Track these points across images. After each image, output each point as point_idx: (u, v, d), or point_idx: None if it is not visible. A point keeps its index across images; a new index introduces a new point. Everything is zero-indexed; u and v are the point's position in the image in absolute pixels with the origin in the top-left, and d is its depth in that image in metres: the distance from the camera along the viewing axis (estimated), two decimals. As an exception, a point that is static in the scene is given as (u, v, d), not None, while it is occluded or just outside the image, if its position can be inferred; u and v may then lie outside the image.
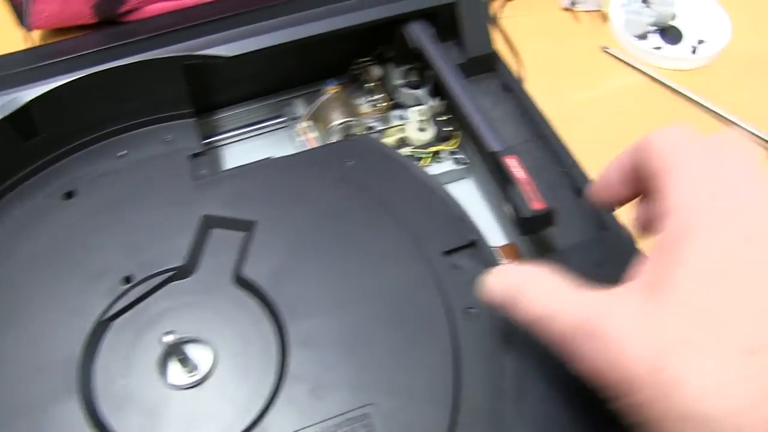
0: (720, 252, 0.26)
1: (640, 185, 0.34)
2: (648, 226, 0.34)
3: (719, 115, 0.59)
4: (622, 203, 0.35)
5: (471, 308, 0.40)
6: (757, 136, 0.58)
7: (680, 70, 0.63)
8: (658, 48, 0.64)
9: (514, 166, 0.40)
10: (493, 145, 0.42)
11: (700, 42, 0.65)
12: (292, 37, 0.47)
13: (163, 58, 0.45)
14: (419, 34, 0.48)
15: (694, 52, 0.64)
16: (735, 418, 0.23)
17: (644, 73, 0.63)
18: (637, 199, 0.35)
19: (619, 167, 0.34)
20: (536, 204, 0.39)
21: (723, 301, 0.25)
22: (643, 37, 0.65)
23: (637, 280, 0.29)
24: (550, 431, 0.36)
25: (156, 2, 0.60)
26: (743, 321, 0.25)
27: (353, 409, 0.36)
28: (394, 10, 0.48)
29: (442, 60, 0.47)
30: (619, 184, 0.34)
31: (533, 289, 0.32)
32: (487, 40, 0.51)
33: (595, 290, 0.30)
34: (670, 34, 0.65)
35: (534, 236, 0.45)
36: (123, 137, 0.48)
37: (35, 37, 0.62)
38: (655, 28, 0.66)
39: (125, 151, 0.47)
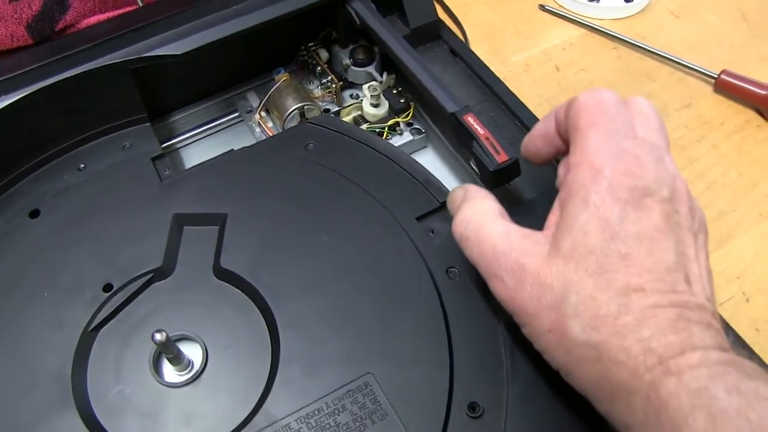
0: (604, 208, 0.30)
1: (565, 141, 0.36)
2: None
3: (660, 55, 0.61)
4: (549, 158, 0.38)
5: (452, 268, 0.41)
6: (696, 70, 0.60)
7: (617, 20, 0.65)
8: (595, 0, 0.66)
9: (473, 123, 0.41)
10: (450, 105, 0.43)
11: (632, -11, 0.67)
12: (240, 27, 0.47)
13: (111, 64, 0.44)
14: (363, 11, 0.49)
15: (628, 0, 0.66)
16: (611, 344, 0.29)
17: (584, 26, 0.64)
18: None
19: (548, 123, 0.37)
20: (501, 156, 0.40)
21: (604, 253, 0.30)
22: (578, -10, 0.67)
23: (548, 230, 0.33)
24: (547, 379, 0.37)
25: (91, 16, 0.59)
26: (620, 270, 0.30)
27: (352, 381, 0.36)
28: (337, -10, 0.48)
29: (388, 33, 0.47)
30: (547, 139, 0.37)
31: (468, 209, 0.36)
32: (429, 9, 0.51)
33: (519, 228, 0.34)
34: (603, -15, 0.67)
35: (501, 190, 0.46)
36: (81, 150, 0.47)
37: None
38: (587, -19, 0.68)
39: (84, 164, 0.46)
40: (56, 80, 0.44)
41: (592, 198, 0.31)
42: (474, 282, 0.40)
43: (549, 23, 0.65)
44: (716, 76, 0.59)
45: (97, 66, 0.44)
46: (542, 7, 0.66)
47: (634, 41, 0.62)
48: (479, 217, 0.36)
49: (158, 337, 0.36)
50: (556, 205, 0.34)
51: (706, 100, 0.59)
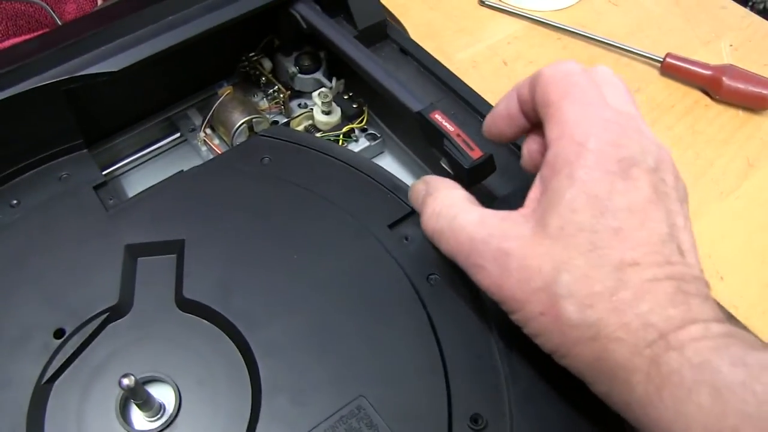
0: (592, 183, 0.29)
1: (530, 118, 0.35)
2: (536, 158, 0.35)
3: (604, 42, 0.61)
4: (513, 137, 0.37)
5: (432, 274, 0.38)
6: (641, 54, 0.60)
7: (557, 11, 0.65)
8: (533, -8, 0.66)
9: (441, 120, 0.39)
10: (414, 104, 0.41)
11: (569, -20, 0.67)
12: (178, 38, 0.43)
13: (41, 86, 0.40)
14: (309, 14, 0.46)
15: (565, -10, 0.66)
16: (608, 322, 0.28)
17: (525, 18, 0.64)
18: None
19: (510, 102, 0.35)
20: (475, 152, 0.38)
21: (595, 229, 0.29)
22: (515, -16, 0.66)
23: (528, 209, 0.32)
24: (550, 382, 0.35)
25: (5, 40, 0.55)
26: (614, 245, 0.28)
27: (344, 406, 0.34)
28: (277, -5, 0.45)
29: (339, 35, 0.45)
30: (510, 119, 0.36)
31: (436, 201, 0.34)
32: (376, 8, 0.49)
33: (494, 212, 0.33)
34: (540, -23, 0.67)
35: (475, 187, 0.45)
36: (12, 184, 0.42)
37: None
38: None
39: (17, 200, 0.42)
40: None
41: (578, 173, 0.29)
42: (457, 286, 0.38)
43: (490, 18, 0.64)
44: (662, 60, 0.59)
45: (25, 89, 0.40)
46: (482, 2, 0.65)
47: (577, 30, 0.62)
48: (449, 208, 0.34)
49: (126, 382, 0.32)
50: (537, 181, 0.32)
51: (654, 84, 0.59)
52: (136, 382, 0.32)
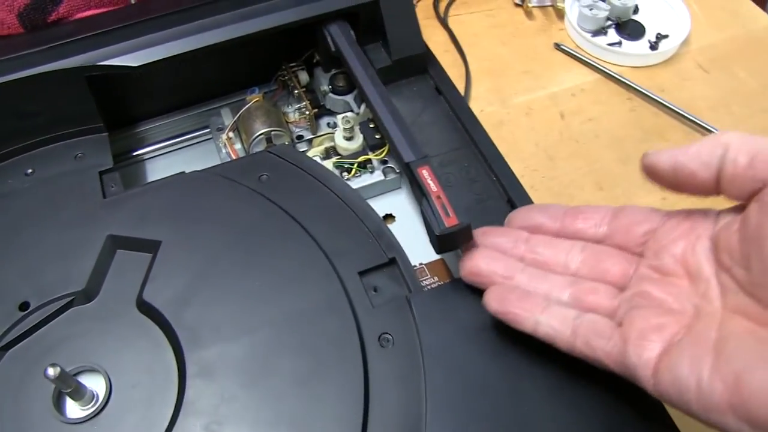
0: None
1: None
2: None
3: (678, 112, 0.56)
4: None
5: (386, 334, 0.37)
6: (712, 131, 0.55)
7: (638, 68, 0.60)
8: (617, 44, 0.61)
9: (426, 177, 0.38)
10: (407, 154, 0.39)
11: (660, 37, 0.62)
12: (203, 43, 0.44)
13: (63, 70, 0.42)
14: (337, 37, 0.45)
15: (653, 47, 0.61)
16: None
17: (599, 71, 0.60)
18: None
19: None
20: (450, 220, 0.37)
21: None
22: (600, 32, 0.62)
23: None
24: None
25: (85, 10, 0.58)
26: None
27: (251, 447, 0.34)
28: (310, 11, 0.45)
29: (359, 64, 0.44)
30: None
31: None
32: (416, 40, 0.48)
33: None
34: (629, 29, 0.62)
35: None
36: (31, 154, 0.45)
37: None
38: (612, 23, 0.63)
39: (32, 169, 0.45)
40: (7, 80, 0.42)
41: None
42: (407, 355, 0.36)
43: (561, 64, 0.60)
44: (736, 143, 0.53)
45: (49, 70, 0.42)
46: (557, 46, 0.61)
47: (652, 94, 0.57)
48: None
49: (51, 372, 0.34)
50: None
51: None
52: (62, 373, 0.34)
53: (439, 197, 0.37)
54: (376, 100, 0.42)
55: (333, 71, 0.50)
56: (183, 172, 0.44)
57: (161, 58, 0.43)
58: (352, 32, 0.46)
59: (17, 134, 0.44)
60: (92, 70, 0.43)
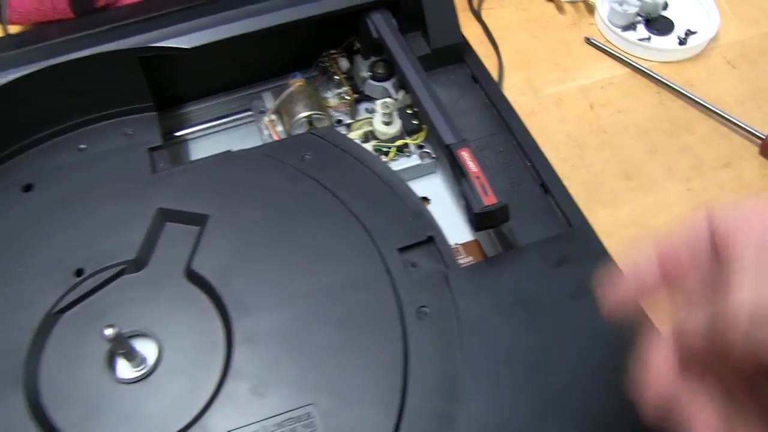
0: None
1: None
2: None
3: (705, 106, 0.57)
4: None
5: (424, 307, 0.39)
6: (742, 127, 0.56)
7: (667, 63, 0.61)
8: (646, 39, 0.62)
9: (467, 158, 0.39)
10: (447, 136, 0.41)
11: (689, 33, 0.63)
12: (253, 27, 0.46)
13: (119, 50, 0.44)
14: (380, 25, 0.47)
15: (682, 42, 0.62)
16: None
17: (628, 65, 0.61)
18: None
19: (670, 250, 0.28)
20: (488, 198, 0.38)
21: None
22: (630, 27, 0.63)
23: None
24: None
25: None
26: None
27: (295, 408, 0.35)
28: (355, 0, 0.47)
29: (401, 50, 0.46)
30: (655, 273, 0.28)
31: None
32: (454, 30, 0.49)
33: None
34: (658, 24, 0.63)
35: (496, 232, 0.44)
36: (83, 131, 0.47)
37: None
38: (642, 18, 0.64)
39: (85, 145, 0.47)
40: (64, 60, 0.44)
41: None
42: (444, 326, 0.38)
43: (592, 58, 0.62)
44: (764, 137, 0.55)
45: (104, 50, 0.44)
46: (588, 41, 0.63)
47: (680, 88, 0.58)
48: None
49: (108, 332, 0.36)
50: None
51: (748, 161, 0.55)
52: (119, 334, 0.36)
53: (478, 177, 0.39)
54: (417, 85, 0.44)
55: (372, 59, 0.52)
56: (229, 151, 0.46)
57: (212, 41, 0.45)
58: (393, 20, 0.48)
59: (71, 111, 0.47)
60: (145, 51, 0.45)
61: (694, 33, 0.63)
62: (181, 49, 0.45)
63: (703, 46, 0.62)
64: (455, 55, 0.50)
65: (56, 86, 0.46)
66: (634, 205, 0.52)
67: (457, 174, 0.40)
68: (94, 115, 0.47)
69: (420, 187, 0.49)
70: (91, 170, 0.45)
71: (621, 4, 0.62)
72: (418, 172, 0.50)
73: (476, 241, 0.45)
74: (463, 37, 0.50)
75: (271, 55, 0.51)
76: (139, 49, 0.44)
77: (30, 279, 0.41)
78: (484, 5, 0.65)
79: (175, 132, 0.51)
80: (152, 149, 0.46)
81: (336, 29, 0.51)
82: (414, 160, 0.50)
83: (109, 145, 0.47)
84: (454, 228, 0.46)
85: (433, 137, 0.49)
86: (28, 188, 0.45)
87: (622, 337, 0.37)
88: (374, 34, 0.48)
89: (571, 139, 0.55)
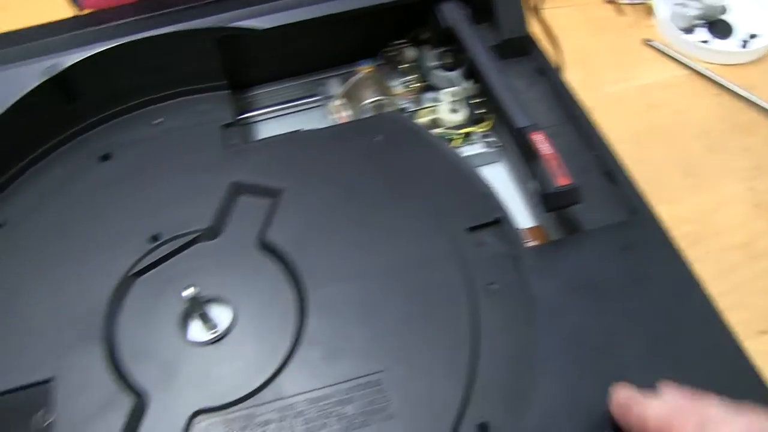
0: None
1: None
2: None
3: (764, 108, 0.58)
4: None
5: (492, 284, 0.39)
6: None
7: (728, 65, 0.62)
8: (705, 42, 0.63)
9: (540, 141, 0.40)
10: (520, 120, 0.42)
11: (752, 36, 0.63)
12: (326, 11, 0.47)
13: (197, 29, 0.46)
14: (452, 15, 0.48)
15: (744, 46, 0.62)
16: None
17: (687, 67, 0.61)
18: None
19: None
20: (561, 179, 0.39)
21: None
22: (689, 30, 0.64)
23: None
24: (566, 410, 0.35)
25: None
26: None
27: (366, 375, 0.36)
28: (428, -11, 0.48)
29: (475, 38, 0.47)
30: None
31: None
32: (521, 23, 0.50)
33: None
34: (719, 27, 0.64)
35: (561, 217, 0.45)
36: (159, 106, 0.49)
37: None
38: (702, 21, 0.65)
39: (161, 119, 0.48)
40: (144, 36, 0.45)
41: None
42: (513, 304, 0.39)
43: (651, 60, 0.62)
44: (824, 141, 0.55)
45: (183, 29, 0.45)
46: (647, 42, 0.63)
47: (741, 90, 0.59)
48: None
49: (187, 292, 0.37)
50: None
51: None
52: (197, 294, 0.37)
53: (552, 159, 0.39)
54: (491, 71, 0.45)
55: (439, 49, 0.53)
56: (300, 130, 0.47)
57: (286, 23, 0.47)
58: (463, 11, 0.49)
59: (149, 87, 0.48)
60: (224, 31, 0.46)
61: (756, 36, 0.63)
62: (257, 30, 0.46)
63: (766, 50, 0.63)
64: (521, 48, 0.51)
65: (135, 63, 0.47)
66: (693, 201, 0.52)
67: (530, 156, 0.41)
68: (170, 92, 0.49)
69: (483, 175, 0.50)
70: (167, 143, 0.46)
71: (682, 6, 0.63)
72: (481, 160, 0.51)
73: (540, 226, 0.46)
74: (528, 30, 0.51)
75: (339, 42, 0.53)
76: (218, 28, 0.46)
77: (108, 242, 0.42)
78: (545, 5, 0.66)
79: (241, 114, 0.53)
80: (225, 126, 0.47)
81: (404, 19, 0.53)
82: (478, 148, 0.50)
83: (183, 121, 0.48)
84: (518, 215, 0.46)
85: (501, 125, 0.50)
86: (105, 158, 0.46)
87: (684, 324, 0.38)
88: (445, 24, 0.49)
89: (630, 136, 0.56)
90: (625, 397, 0.33)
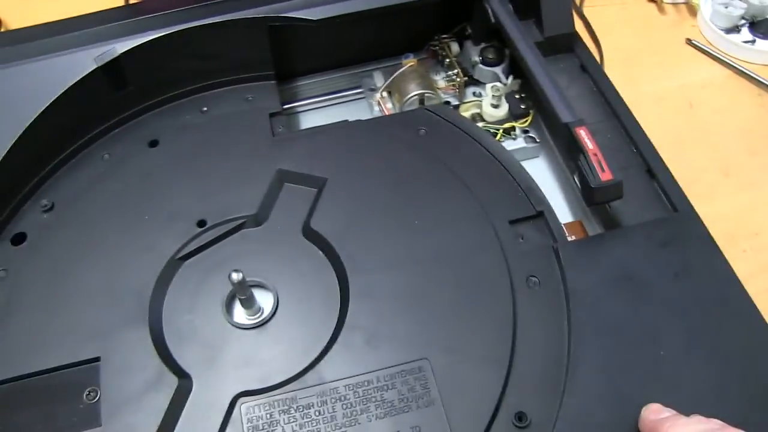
0: None
1: None
2: None
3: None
4: None
5: (533, 276, 0.40)
6: None
7: (770, 66, 0.61)
8: (750, 42, 0.62)
9: (584, 136, 0.40)
10: (565, 115, 0.42)
11: (798, 37, 0.63)
12: (377, 4, 0.48)
13: (249, 18, 0.47)
14: (499, 11, 0.49)
15: (788, 47, 0.62)
16: None
17: (729, 67, 0.61)
18: None
19: None
20: (605, 174, 0.39)
21: None
22: (733, 30, 0.63)
23: None
24: (602, 402, 0.35)
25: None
26: None
27: (408, 362, 0.37)
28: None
29: (520, 34, 0.47)
30: None
31: None
32: (567, 20, 0.51)
33: None
34: (763, 28, 0.63)
35: (602, 212, 0.45)
36: (207, 94, 0.50)
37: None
38: (746, 21, 0.64)
39: (207, 108, 0.49)
40: (197, 24, 0.46)
41: None
42: (553, 296, 0.39)
43: (692, 59, 0.62)
44: None
45: (235, 18, 0.46)
46: (689, 42, 0.63)
47: (784, 93, 0.58)
48: None
49: (235, 276, 0.38)
50: None
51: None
52: (243, 279, 0.38)
53: (595, 154, 0.40)
54: (537, 67, 0.45)
55: (482, 44, 0.53)
56: (346, 120, 0.48)
57: (337, 14, 0.47)
58: (510, 6, 0.50)
59: (196, 75, 0.49)
60: (276, 20, 0.47)
61: (802, 38, 0.63)
62: (309, 21, 0.47)
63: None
64: (566, 44, 0.51)
65: (185, 51, 0.48)
66: (732, 200, 0.52)
67: (573, 151, 0.41)
68: (217, 80, 0.49)
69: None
70: (214, 131, 0.47)
71: (726, 6, 0.63)
72: (522, 155, 0.51)
73: (579, 221, 0.46)
74: (574, 27, 0.51)
75: (385, 35, 0.53)
76: (270, 17, 0.47)
77: (155, 226, 0.43)
78: (586, 3, 0.66)
79: (286, 104, 0.53)
80: (272, 114, 0.48)
81: (449, 14, 0.53)
82: (519, 143, 0.51)
83: (230, 109, 0.49)
84: (557, 209, 0.46)
85: (544, 120, 0.50)
86: (153, 144, 0.47)
87: (723, 321, 0.38)
88: (492, 19, 0.49)
89: (670, 134, 0.55)
90: (654, 420, 0.34)
